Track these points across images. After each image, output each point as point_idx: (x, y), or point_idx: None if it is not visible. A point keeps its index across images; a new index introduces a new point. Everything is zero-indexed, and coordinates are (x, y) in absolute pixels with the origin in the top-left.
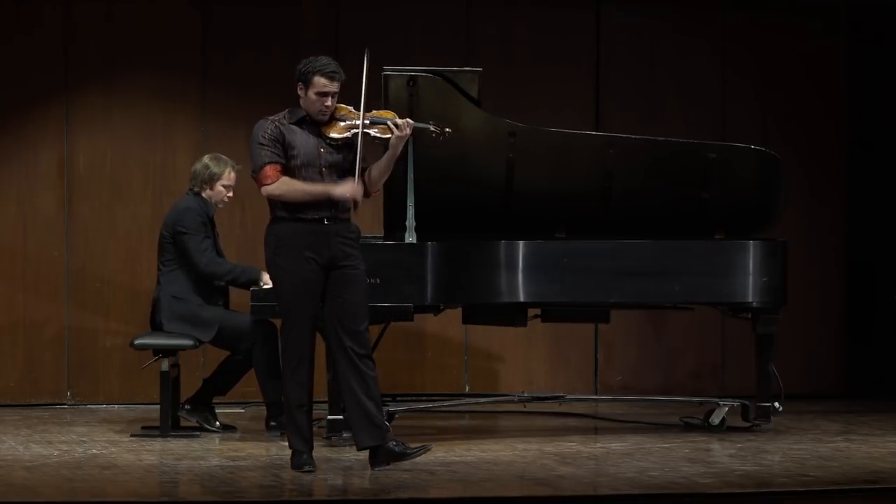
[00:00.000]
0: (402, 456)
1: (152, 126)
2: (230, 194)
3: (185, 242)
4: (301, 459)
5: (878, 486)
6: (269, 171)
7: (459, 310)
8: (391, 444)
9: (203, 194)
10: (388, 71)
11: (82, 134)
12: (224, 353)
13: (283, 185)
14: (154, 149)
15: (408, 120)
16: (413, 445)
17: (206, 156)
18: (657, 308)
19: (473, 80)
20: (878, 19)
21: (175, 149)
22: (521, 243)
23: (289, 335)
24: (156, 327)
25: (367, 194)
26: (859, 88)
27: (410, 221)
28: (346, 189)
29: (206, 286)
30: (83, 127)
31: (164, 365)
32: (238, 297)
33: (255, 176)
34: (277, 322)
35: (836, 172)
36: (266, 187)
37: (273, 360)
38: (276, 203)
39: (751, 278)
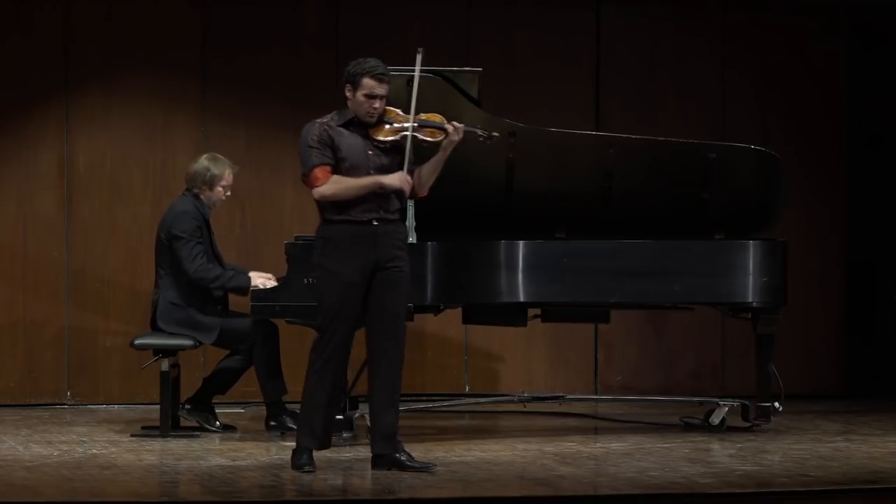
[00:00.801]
0: (404, 466)
1: (152, 126)
2: (228, 193)
3: (177, 248)
4: (301, 459)
5: (878, 486)
6: (319, 172)
7: (459, 310)
8: (396, 454)
9: (201, 195)
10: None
11: (82, 134)
12: (224, 352)
13: (333, 185)
14: (154, 149)
15: (456, 123)
16: (418, 459)
17: (204, 156)
18: (657, 308)
19: (473, 80)
20: (878, 19)
21: (175, 149)
22: (521, 243)
23: (324, 334)
24: (156, 328)
25: (414, 196)
26: (859, 88)
27: (410, 221)
28: (395, 178)
29: (204, 291)
30: (83, 127)
31: (164, 365)
32: (238, 297)
33: (306, 179)
34: (278, 322)
35: (836, 172)
36: (317, 189)
37: (273, 360)
38: (324, 204)
39: (751, 278)
